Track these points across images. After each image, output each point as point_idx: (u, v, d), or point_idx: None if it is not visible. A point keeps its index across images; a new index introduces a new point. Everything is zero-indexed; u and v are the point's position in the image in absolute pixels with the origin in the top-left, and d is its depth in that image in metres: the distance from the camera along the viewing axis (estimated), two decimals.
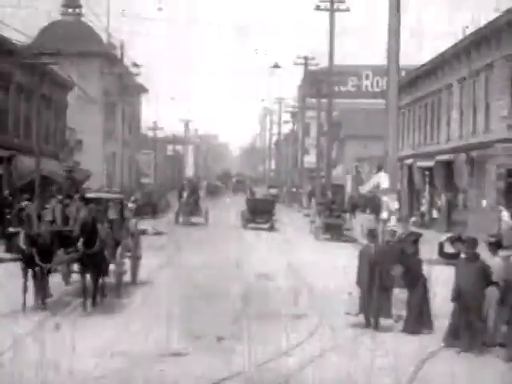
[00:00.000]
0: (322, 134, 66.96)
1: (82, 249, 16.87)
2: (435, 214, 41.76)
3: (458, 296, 13.95)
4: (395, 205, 32.41)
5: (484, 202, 34.68)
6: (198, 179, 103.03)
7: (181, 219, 42.44)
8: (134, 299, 18.71)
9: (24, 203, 21.44)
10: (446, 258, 23.17)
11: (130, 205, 33.40)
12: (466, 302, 13.81)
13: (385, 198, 32.72)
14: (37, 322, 15.42)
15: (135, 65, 58.85)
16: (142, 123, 79.89)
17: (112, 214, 19.98)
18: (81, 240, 16.81)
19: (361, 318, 15.78)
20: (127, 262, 20.00)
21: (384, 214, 32.69)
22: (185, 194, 43.55)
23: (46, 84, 44.13)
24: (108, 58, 57.74)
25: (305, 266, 24.13)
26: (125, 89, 61.43)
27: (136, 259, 20.79)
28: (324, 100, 58.91)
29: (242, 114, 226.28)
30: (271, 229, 40.51)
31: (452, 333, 14.05)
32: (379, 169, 58.90)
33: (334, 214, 38.07)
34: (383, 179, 33.09)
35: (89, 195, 20.26)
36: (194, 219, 42.03)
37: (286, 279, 21.83)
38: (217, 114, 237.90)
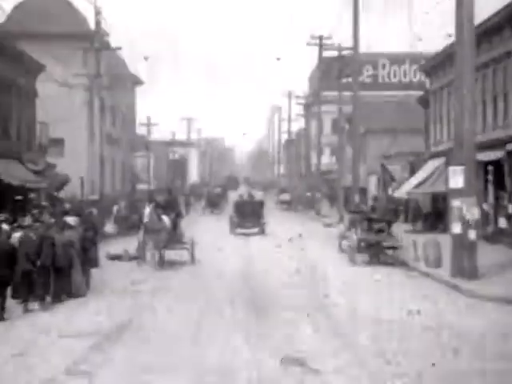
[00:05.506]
0: (341, 130, 58.94)
1: None
2: (503, 223, 31.94)
3: None
4: (475, 213, 22.60)
5: None
6: (193, 186, 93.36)
7: (149, 257, 25.26)
8: None
9: None
10: None
11: (70, 219, 20.78)
12: None
13: (457, 204, 22.98)
14: None
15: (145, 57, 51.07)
16: (138, 121, 70.90)
17: None
18: None
19: None
20: None
21: (456, 227, 22.95)
22: (147, 211, 24.91)
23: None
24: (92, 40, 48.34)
25: (369, 329, 13.46)
26: (118, 80, 52.26)
27: None
28: (348, 92, 50.00)
29: (248, 115, 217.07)
30: (261, 233, 38.22)
31: None
32: (412, 167, 50.23)
33: (374, 226, 27.75)
34: (453, 177, 23.26)
35: None
36: (171, 253, 26.09)
37: (343, 373, 10.74)
38: (222, 117, 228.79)
